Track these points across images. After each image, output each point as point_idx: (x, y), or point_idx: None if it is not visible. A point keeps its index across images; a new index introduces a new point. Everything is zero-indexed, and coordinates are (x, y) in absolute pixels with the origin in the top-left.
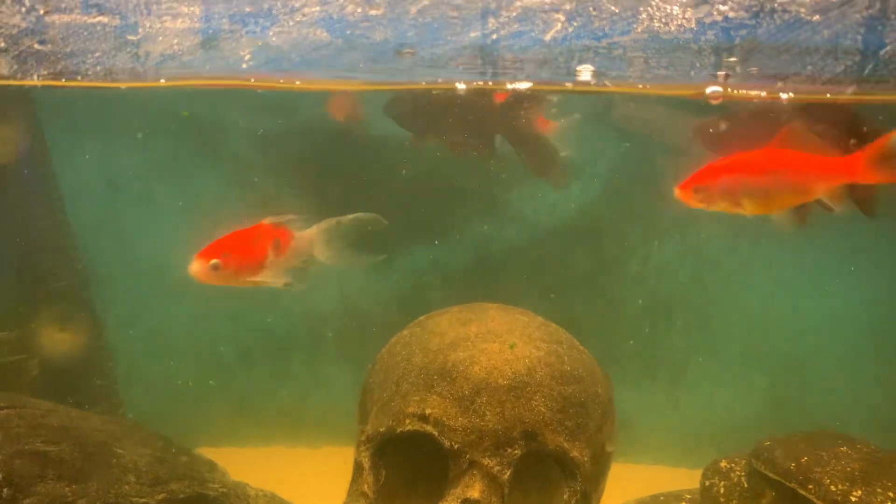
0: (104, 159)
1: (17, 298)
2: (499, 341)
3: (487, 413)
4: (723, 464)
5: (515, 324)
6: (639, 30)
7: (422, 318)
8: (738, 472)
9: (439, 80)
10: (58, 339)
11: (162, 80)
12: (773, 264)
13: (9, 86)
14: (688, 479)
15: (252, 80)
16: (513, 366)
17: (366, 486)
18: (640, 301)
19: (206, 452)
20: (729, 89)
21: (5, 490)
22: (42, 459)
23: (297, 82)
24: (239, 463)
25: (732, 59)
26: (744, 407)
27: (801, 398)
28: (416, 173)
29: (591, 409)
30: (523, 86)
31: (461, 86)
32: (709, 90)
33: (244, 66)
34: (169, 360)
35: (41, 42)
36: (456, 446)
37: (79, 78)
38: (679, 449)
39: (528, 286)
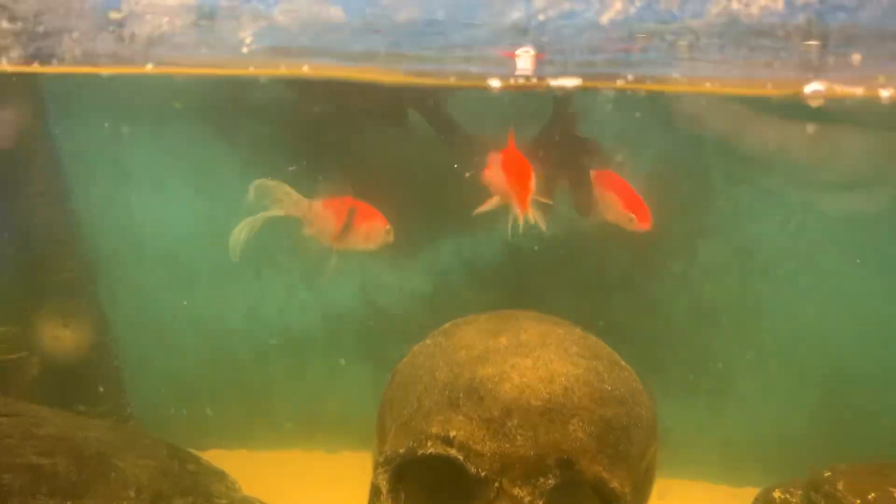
0: (112, 145)
1: (18, 292)
2: (532, 356)
3: (519, 438)
4: (776, 493)
5: (551, 336)
6: (714, 12)
7: (447, 325)
8: None
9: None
10: (61, 336)
11: (149, 66)
12: (832, 269)
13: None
14: (728, 498)
15: (251, 68)
16: (548, 385)
17: None
18: (683, 305)
19: (217, 456)
20: (827, 85)
21: None
22: (34, 473)
23: (305, 68)
24: (251, 467)
25: (829, 46)
26: (792, 423)
27: (857, 417)
28: (441, 163)
29: (634, 434)
30: (570, 83)
31: (495, 83)
32: (809, 88)
33: (245, 49)
34: (178, 358)
35: (10, 20)
36: (483, 473)
37: (54, 62)
38: (720, 465)
39: (560, 286)
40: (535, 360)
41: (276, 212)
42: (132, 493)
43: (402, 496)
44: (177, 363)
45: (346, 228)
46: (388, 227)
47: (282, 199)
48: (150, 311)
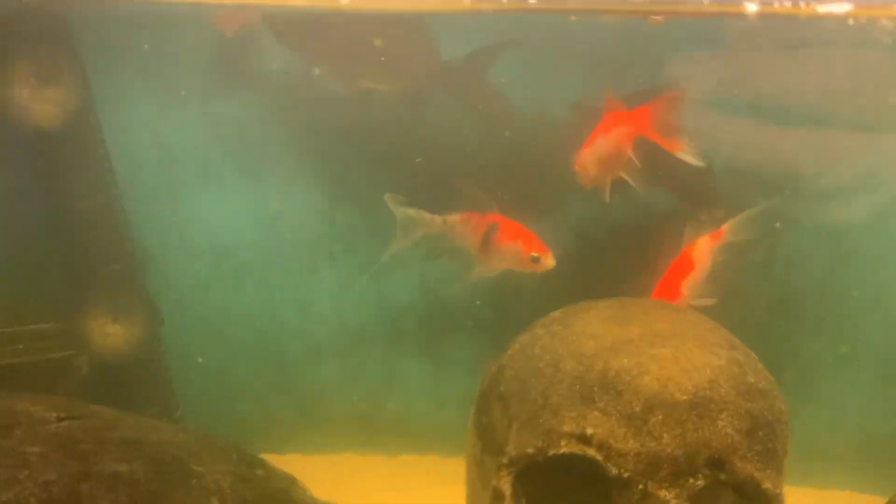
0: (159, 123)
1: (64, 285)
2: (670, 346)
3: (665, 435)
4: None
5: (684, 324)
6: None
7: (556, 314)
8: None
9: None
10: (111, 333)
11: None
12: None
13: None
14: (813, 501)
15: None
16: (692, 377)
17: None
18: (765, 295)
19: (269, 460)
20: None
21: None
22: (113, 481)
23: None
24: (304, 472)
25: None
26: (879, 423)
27: None
28: (502, 146)
29: (779, 429)
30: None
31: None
32: None
33: None
34: (227, 355)
35: None
36: (626, 474)
37: None
38: (803, 466)
39: (633, 275)
40: (674, 350)
41: (406, 241)
42: (215, 501)
43: (524, 501)
44: (226, 362)
45: (486, 247)
46: (537, 252)
47: (407, 225)
48: (198, 306)
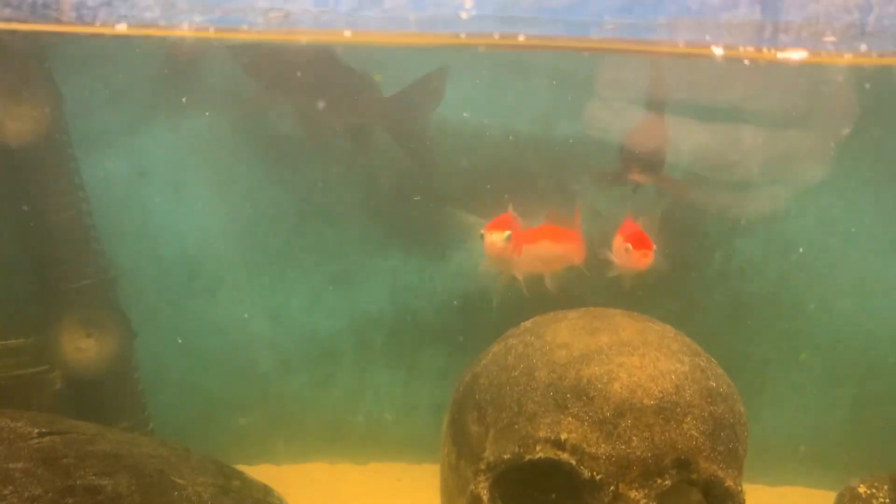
0: (128, 140)
1: (36, 300)
2: (637, 354)
3: (634, 438)
4: (861, 489)
5: (650, 333)
6: None
7: (527, 324)
8: (881, 499)
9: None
10: (83, 347)
11: (347, 33)
12: (867, 265)
13: (21, 49)
14: (767, 498)
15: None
16: (658, 383)
17: None
18: (720, 302)
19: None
20: None
21: None
22: (96, 495)
23: (521, 38)
24: (276, 482)
25: None
26: (829, 421)
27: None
28: (476, 158)
29: (739, 431)
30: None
31: (718, 50)
32: None
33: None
34: (197, 367)
35: None
36: (598, 477)
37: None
38: (758, 464)
39: (599, 285)
40: (641, 358)
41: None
42: None
43: None
44: (197, 374)
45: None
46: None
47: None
48: (168, 318)
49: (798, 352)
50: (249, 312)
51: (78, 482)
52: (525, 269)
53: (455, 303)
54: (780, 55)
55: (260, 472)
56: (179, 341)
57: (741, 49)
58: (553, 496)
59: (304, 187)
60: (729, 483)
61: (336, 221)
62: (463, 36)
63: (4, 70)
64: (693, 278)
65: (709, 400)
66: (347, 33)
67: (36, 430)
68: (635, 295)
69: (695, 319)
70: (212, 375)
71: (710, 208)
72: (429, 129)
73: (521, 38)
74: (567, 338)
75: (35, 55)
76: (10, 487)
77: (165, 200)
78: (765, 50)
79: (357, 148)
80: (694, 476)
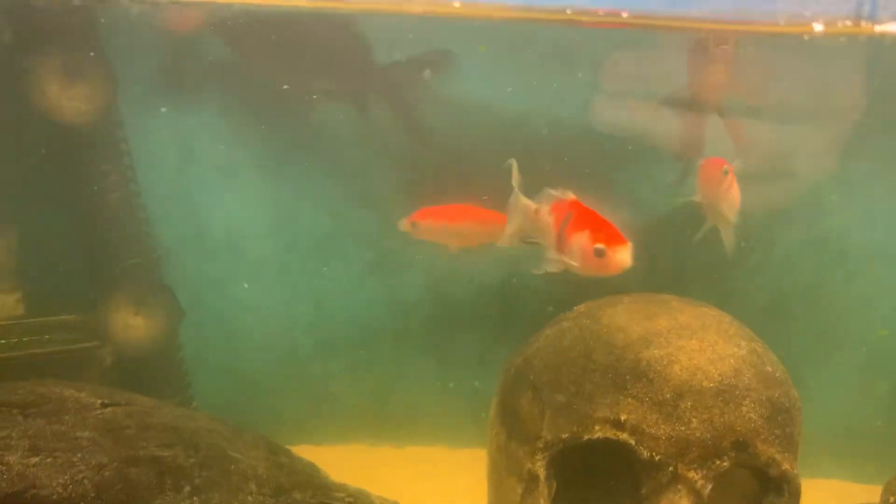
0: (176, 120)
1: (88, 278)
2: (696, 338)
3: (693, 420)
4: None
5: (708, 318)
6: None
7: (581, 308)
8: None
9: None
10: (132, 325)
11: (457, 4)
12: None
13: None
14: (804, 490)
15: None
16: (717, 366)
17: (542, 501)
18: (759, 295)
19: None
20: None
21: None
22: (158, 466)
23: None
24: (314, 461)
25: None
26: (864, 415)
27: None
28: (510, 146)
29: (794, 415)
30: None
31: (818, 26)
32: None
33: None
34: (239, 349)
35: None
36: (657, 457)
37: None
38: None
39: (638, 275)
40: (700, 341)
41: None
42: (253, 487)
43: (555, 485)
44: (237, 355)
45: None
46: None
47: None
48: (211, 300)
49: (834, 348)
50: (291, 296)
51: (140, 452)
52: (453, 243)
53: (491, 290)
54: (879, 28)
55: (298, 452)
56: (221, 322)
57: (840, 24)
58: (607, 478)
59: (347, 173)
60: (786, 466)
61: (377, 207)
62: (569, 12)
63: (62, 49)
64: (732, 271)
65: (766, 384)
66: (456, 4)
67: (99, 401)
68: (674, 284)
69: (733, 311)
70: (252, 357)
71: (754, 199)
72: (420, 101)
73: (625, 16)
74: (624, 321)
75: (91, 34)
76: (79, 455)
77: (212, 183)
78: (863, 23)
79: (359, 113)
80: (752, 458)
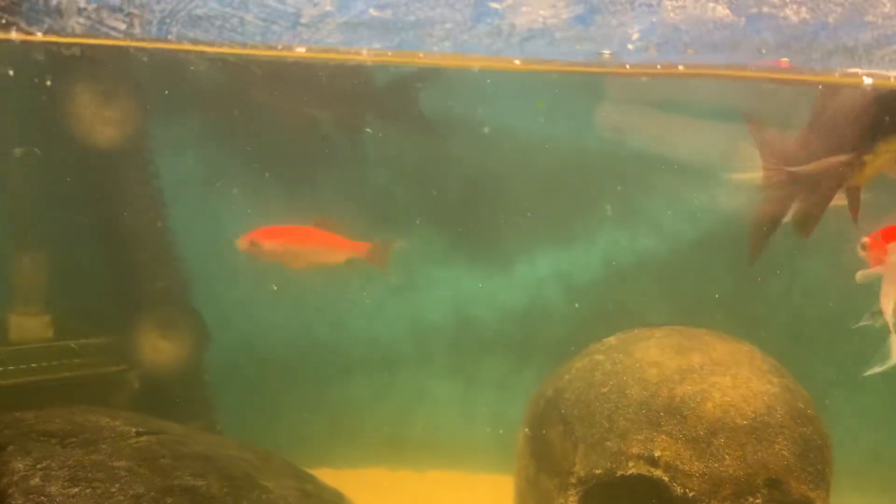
0: (200, 145)
1: (115, 301)
2: (729, 374)
3: (727, 457)
4: None
5: (740, 354)
6: None
7: (612, 341)
8: None
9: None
10: (160, 348)
11: (517, 62)
12: None
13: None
14: None
15: (627, 67)
16: (751, 403)
17: None
18: (783, 322)
19: None
20: None
21: None
22: (193, 496)
23: (681, 67)
24: (336, 486)
25: None
26: (890, 444)
27: None
28: (538, 172)
29: (826, 453)
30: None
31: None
32: None
33: (629, 46)
34: (262, 371)
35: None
36: (691, 494)
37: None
38: None
39: (661, 302)
40: (733, 378)
41: None
42: None
43: None
44: (260, 377)
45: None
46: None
47: None
48: (234, 322)
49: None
50: (314, 319)
51: (176, 482)
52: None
53: (516, 314)
54: None
55: (319, 475)
56: (246, 345)
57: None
58: None
59: (371, 196)
60: None
61: (402, 230)
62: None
63: (97, 76)
64: (757, 297)
65: (799, 421)
66: (517, 62)
67: (134, 430)
68: (697, 311)
69: (758, 339)
70: (275, 379)
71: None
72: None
73: (681, 68)
74: (657, 356)
75: (124, 64)
76: (117, 485)
77: (235, 207)
78: None
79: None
80: (784, 496)
